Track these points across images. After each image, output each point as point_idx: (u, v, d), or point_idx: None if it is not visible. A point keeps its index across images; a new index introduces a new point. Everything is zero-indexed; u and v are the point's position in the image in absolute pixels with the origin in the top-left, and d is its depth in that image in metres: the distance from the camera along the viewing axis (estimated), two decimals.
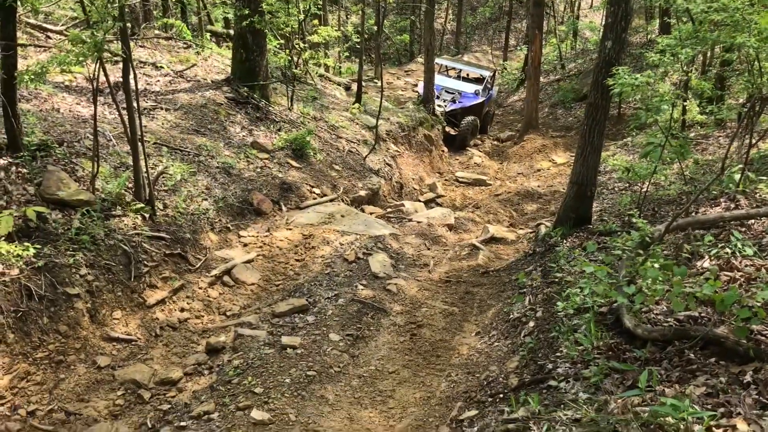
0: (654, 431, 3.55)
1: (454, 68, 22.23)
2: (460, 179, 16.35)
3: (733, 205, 7.70)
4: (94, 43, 6.76)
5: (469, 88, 20.23)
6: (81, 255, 6.66)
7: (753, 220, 6.89)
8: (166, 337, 6.94)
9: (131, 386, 6.05)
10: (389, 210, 12.34)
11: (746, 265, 5.69)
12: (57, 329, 6.11)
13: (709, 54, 13.44)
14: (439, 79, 20.40)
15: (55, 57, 7.00)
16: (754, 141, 8.44)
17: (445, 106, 19.07)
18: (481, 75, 21.43)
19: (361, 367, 6.52)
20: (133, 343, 6.67)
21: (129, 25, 8.24)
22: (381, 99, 14.89)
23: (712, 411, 3.63)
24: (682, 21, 14.52)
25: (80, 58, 6.92)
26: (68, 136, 8.37)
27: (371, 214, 11.43)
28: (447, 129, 19.11)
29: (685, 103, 11.51)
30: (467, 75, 22.00)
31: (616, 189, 11.98)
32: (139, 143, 7.70)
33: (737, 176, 8.13)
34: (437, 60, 22.05)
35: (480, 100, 19.69)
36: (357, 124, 15.00)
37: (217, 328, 7.21)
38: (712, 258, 6.06)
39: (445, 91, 19.87)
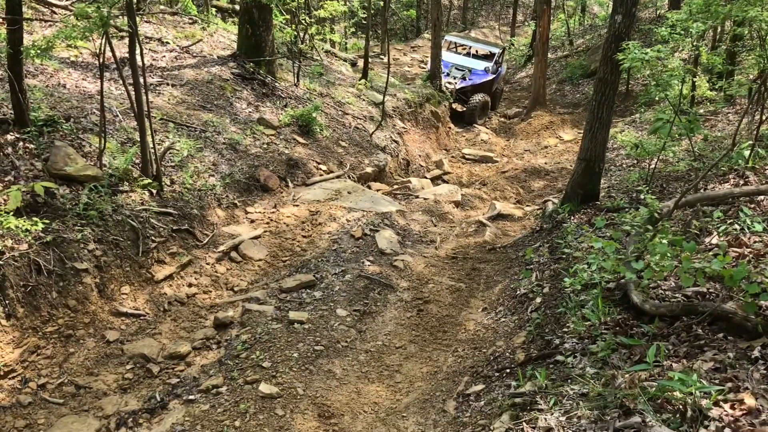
0: (661, 405, 3.56)
1: (463, 45, 22.11)
2: (467, 156, 16.30)
3: (742, 182, 7.65)
4: (100, 17, 6.72)
5: (479, 65, 20.12)
6: (89, 230, 6.68)
7: (762, 197, 6.85)
8: (174, 312, 6.98)
9: (140, 360, 6.10)
10: (396, 187, 12.32)
11: (755, 241, 5.67)
12: (66, 304, 6.15)
13: (719, 29, 13.27)
14: (449, 56, 20.40)
15: (60, 32, 6.96)
16: (764, 117, 8.36)
17: (456, 83, 19.01)
18: (491, 52, 21.31)
19: (368, 342, 6.55)
20: (142, 317, 6.71)
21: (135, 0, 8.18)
22: (388, 75, 14.79)
23: (720, 386, 3.64)
24: None
25: (86, 33, 6.87)
26: (75, 111, 8.36)
27: (378, 190, 11.41)
28: (454, 106, 19.04)
29: (694, 79, 11.39)
30: (476, 52, 21.89)
31: (624, 165, 11.92)
32: (146, 119, 7.68)
33: (747, 152, 8.08)
34: (447, 37, 22.03)
35: (490, 77, 19.62)
36: (363, 100, 14.92)
37: (224, 304, 7.25)
38: (721, 234, 6.03)
39: (455, 68, 19.81)
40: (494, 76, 19.93)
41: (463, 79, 19.35)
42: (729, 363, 3.93)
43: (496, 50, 21.22)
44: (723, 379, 3.77)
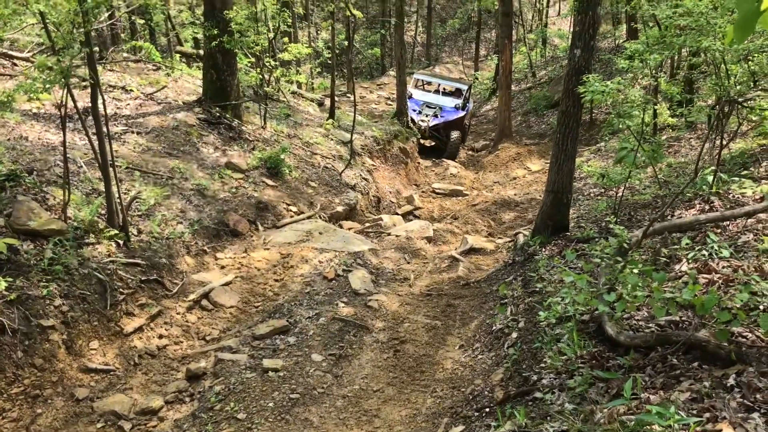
0: None
1: (431, 83, 22.63)
2: (437, 190, 16.38)
3: (707, 207, 7.77)
4: (61, 69, 6.66)
5: (449, 102, 20.62)
6: (55, 286, 6.52)
7: (727, 222, 6.95)
8: (145, 365, 6.81)
9: (111, 417, 5.91)
10: (367, 225, 12.30)
11: (723, 267, 5.73)
12: (32, 363, 5.97)
13: (676, 57, 13.63)
14: (419, 95, 21.01)
15: (21, 85, 6.88)
16: (724, 142, 8.54)
17: (428, 121, 19.37)
18: (458, 88, 21.80)
19: (345, 387, 6.44)
20: (112, 373, 6.53)
21: (97, 49, 8.14)
22: (354, 114, 14.88)
23: (698, 416, 3.62)
24: (649, 26, 14.72)
25: (47, 86, 6.81)
26: (38, 164, 8.24)
27: (349, 229, 11.37)
28: (422, 141, 19.34)
29: (655, 107, 11.64)
30: (445, 89, 22.34)
31: (591, 195, 12.06)
32: (111, 169, 7.59)
33: (710, 178, 8.22)
34: (415, 75, 22.66)
35: (461, 114, 20.10)
36: (331, 139, 14.96)
37: (196, 354, 7.10)
38: (690, 261, 6.09)
39: (427, 107, 20.23)
40: (464, 112, 20.39)
41: (435, 116, 19.78)
42: (705, 392, 3.92)
43: (464, 87, 21.76)
44: (700, 410, 3.76)
